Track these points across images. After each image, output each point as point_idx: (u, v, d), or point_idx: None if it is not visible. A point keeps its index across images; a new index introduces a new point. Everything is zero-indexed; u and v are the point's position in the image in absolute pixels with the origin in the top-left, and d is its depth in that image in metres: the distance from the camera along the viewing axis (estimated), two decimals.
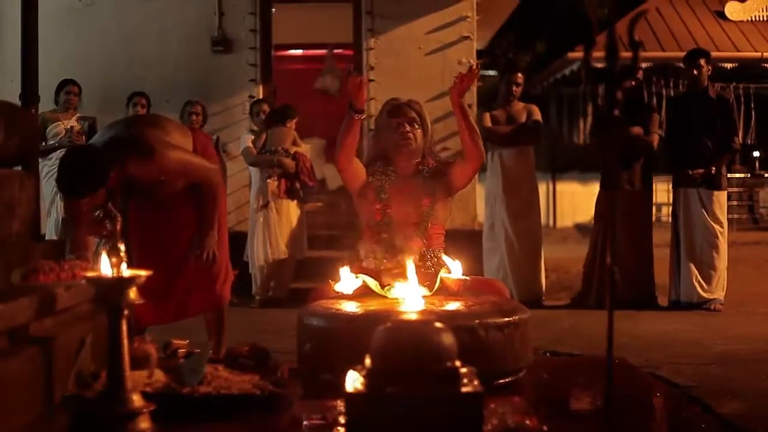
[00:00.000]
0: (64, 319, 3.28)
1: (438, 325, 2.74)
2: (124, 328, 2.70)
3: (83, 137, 7.84)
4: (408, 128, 4.27)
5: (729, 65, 15.80)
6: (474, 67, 4.39)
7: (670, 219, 8.22)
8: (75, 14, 9.61)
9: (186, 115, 8.36)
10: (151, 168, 4.19)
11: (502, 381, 3.46)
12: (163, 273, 4.24)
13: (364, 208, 4.33)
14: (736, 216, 14.84)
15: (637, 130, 7.77)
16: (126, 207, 4.48)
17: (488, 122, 8.04)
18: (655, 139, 7.88)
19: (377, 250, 4.13)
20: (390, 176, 4.28)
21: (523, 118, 8.12)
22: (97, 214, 3.90)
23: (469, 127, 4.23)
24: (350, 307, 3.65)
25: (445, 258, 4.05)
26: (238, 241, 7.61)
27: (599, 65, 2.26)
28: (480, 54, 10.90)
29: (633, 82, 7.65)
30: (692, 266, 7.67)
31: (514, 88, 8.18)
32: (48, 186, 7.72)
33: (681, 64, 8.29)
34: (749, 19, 16.91)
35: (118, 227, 3.66)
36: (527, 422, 3.00)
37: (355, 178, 4.30)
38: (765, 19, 17.01)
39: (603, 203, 8.05)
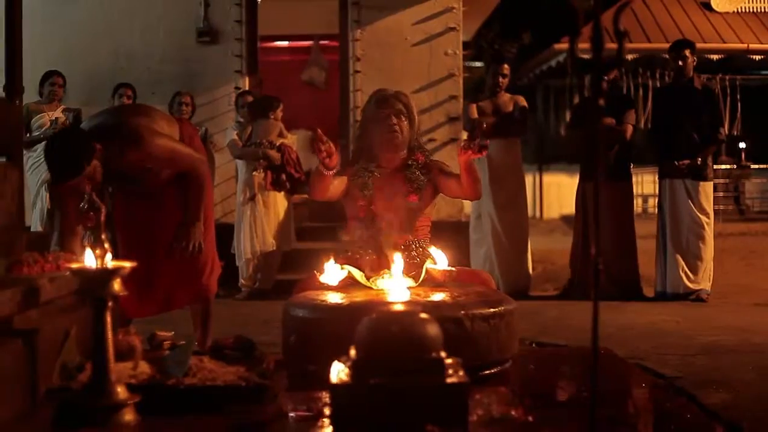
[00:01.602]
0: (48, 310, 3.27)
1: (423, 315, 2.74)
2: (109, 319, 2.70)
3: None
4: (395, 120, 4.24)
5: (715, 57, 15.84)
6: (484, 145, 4.10)
7: (657, 210, 8.23)
8: (59, 6, 9.52)
9: (176, 106, 8.36)
10: (138, 155, 4.16)
11: (487, 372, 3.47)
12: (148, 264, 4.21)
13: (349, 204, 4.32)
14: (722, 207, 14.85)
15: (609, 120, 7.74)
16: (112, 198, 4.46)
17: (474, 113, 8.03)
18: (628, 130, 7.87)
19: (361, 243, 4.13)
20: (373, 172, 4.25)
21: (510, 109, 8.13)
22: (82, 206, 3.88)
23: (474, 179, 4.15)
24: (335, 298, 3.65)
25: (430, 249, 4.04)
26: (225, 232, 7.59)
27: (585, 56, 2.26)
28: (466, 45, 10.86)
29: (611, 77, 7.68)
30: (678, 257, 7.67)
31: (501, 79, 8.18)
32: (33, 177, 7.70)
33: (667, 56, 8.31)
34: (735, 10, 16.96)
35: (103, 218, 3.65)
36: (512, 413, 3.00)
37: (336, 194, 4.28)
38: (751, 10, 17.06)
39: (582, 195, 8.06)
